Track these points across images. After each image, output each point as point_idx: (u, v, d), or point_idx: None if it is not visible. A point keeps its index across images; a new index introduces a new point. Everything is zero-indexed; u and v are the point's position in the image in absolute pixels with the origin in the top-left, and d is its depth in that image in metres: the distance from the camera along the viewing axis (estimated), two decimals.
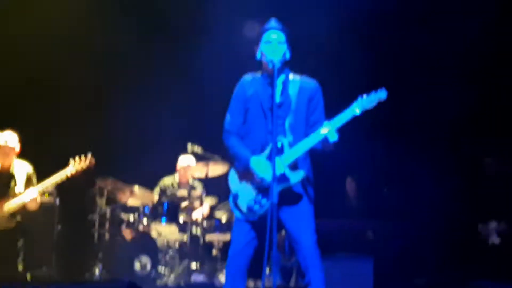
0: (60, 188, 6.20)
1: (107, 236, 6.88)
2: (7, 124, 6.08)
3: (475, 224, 6.41)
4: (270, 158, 3.72)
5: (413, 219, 6.56)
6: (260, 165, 3.85)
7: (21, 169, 6.01)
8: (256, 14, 5.12)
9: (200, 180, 7.37)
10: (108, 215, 6.89)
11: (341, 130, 3.84)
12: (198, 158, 7.11)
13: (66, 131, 7.47)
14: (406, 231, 6.60)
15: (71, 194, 6.76)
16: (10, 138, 5.96)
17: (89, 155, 5.88)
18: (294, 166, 3.88)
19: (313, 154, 4.00)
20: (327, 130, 3.80)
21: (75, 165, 5.83)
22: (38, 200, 5.84)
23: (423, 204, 7.03)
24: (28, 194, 5.76)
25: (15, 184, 5.92)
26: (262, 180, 3.85)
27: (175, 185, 7.40)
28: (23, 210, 5.81)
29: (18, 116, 7.19)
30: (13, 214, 5.81)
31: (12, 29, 7.37)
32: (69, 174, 5.81)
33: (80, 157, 5.86)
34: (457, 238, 6.71)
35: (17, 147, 6.00)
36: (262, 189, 3.87)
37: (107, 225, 6.88)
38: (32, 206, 5.83)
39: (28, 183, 5.95)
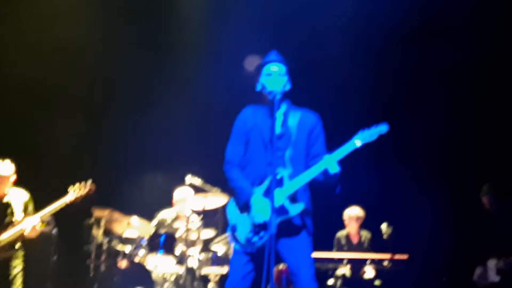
0: (58, 217, 6.16)
1: (103, 267, 6.80)
2: (2, 152, 6.08)
3: (474, 261, 6.36)
4: (269, 190, 3.71)
5: (412, 255, 6.50)
6: (258, 204, 3.85)
7: (18, 197, 5.98)
8: (258, 46, 5.17)
9: (198, 212, 7.32)
10: (104, 246, 6.82)
11: (342, 162, 3.85)
12: (197, 190, 7.08)
13: (64, 160, 7.46)
14: (406, 267, 6.54)
15: (68, 224, 6.71)
16: (3, 167, 5.94)
17: (89, 182, 5.86)
18: (293, 198, 3.87)
19: (314, 187, 4.00)
20: (329, 163, 3.80)
21: (75, 192, 5.80)
22: (38, 228, 5.79)
23: (421, 239, 7.00)
24: (28, 222, 5.72)
25: (12, 213, 5.88)
26: (254, 218, 3.84)
27: (173, 217, 7.35)
28: (21, 238, 5.76)
29: (15, 144, 7.18)
30: (11, 244, 5.76)
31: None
32: (68, 201, 5.78)
33: (80, 184, 5.84)
34: (456, 275, 6.68)
35: (12, 176, 5.98)
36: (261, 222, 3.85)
37: (103, 257, 6.81)
38: (31, 235, 5.77)
39: (25, 211, 5.91)
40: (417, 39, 7.43)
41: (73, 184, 5.85)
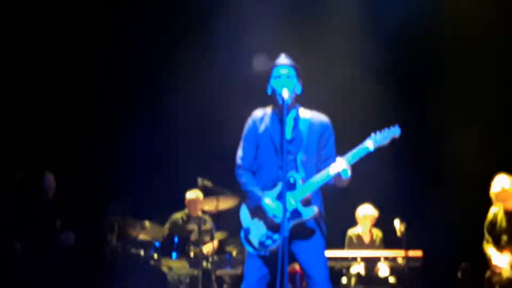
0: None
1: (117, 271, 6.84)
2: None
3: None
4: (282, 193, 3.70)
5: (426, 251, 6.50)
6: (271, 205, 3.86)
7: None
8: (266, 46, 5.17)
9: (210, 214, 7.35)
10: (119, 250, 6.86)
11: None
12: (208, 192, 7.11)
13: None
14: (421, 263, 6.54)
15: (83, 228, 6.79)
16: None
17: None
18: (306, 202, 3.88)
19: (325, 189, 4.00)
20: (340, 167, 3.80)
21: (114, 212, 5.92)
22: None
23: (436, 236, 6.99)
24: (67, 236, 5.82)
25: None
26: (274, 217, 3.85)
27: (185, 218, 7.39)
28: None
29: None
30: None
31: None
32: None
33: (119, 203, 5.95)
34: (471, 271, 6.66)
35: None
36: (275, 222, 3.87)
37: (117, 261, 6.85)
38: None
39: None
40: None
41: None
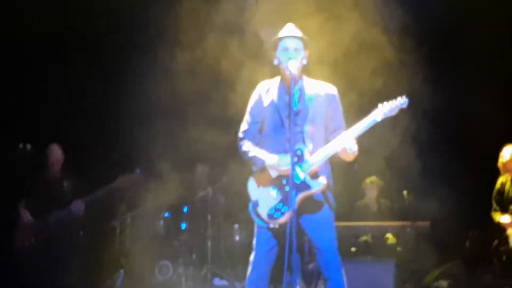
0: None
1: (128, 242, 6.93)
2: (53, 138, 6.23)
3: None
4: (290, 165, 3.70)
5: (433, 222, 6.53)
6: (279, 160, 3.85)
7: (67, 180, 6.16)
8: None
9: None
10: (129, 221, 6.94)
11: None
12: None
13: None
14: (428, 232, 6.57)
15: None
16: (55, 150, 6.21)
17: (137, 173, 5.97)
18: (314, 174, 3.88)
19: (333, 161, 4.00)
20: (347, 141, 3.79)
21: (123, 181, 5.92)
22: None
23: (443, 207, 7.00)
24: (77, 204, 5.87)
25: (64, 193, 6.07)
26: (285, 172, 3.82)
27: (194, 189, 7.44)
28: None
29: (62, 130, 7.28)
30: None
31: None
32: (115, 187, 5.91)
33: (129, 173, 5.96)
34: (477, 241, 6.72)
35: (62, 159, 6.20)
36: (283, 194, 3.88)
37: (128, 231, 6.93)
38: (78, 215, 5.96)
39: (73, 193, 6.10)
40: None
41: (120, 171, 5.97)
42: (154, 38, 7.37)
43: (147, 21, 7.58)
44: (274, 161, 3.88)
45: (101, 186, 5.98)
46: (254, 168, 4.01)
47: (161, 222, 6.94)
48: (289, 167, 3.70)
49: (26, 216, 5.93)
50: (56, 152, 6.19)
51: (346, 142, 3.79)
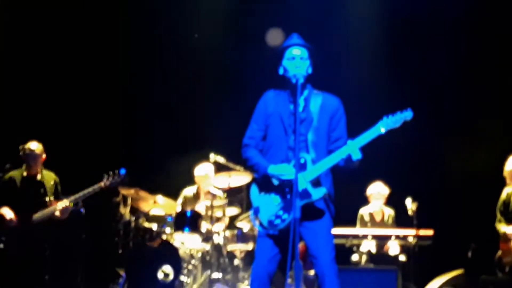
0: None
1: (130, 245, 6.92)
2: (35, 135, 6.23)
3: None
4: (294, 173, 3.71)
5: (437, 230, 6.50)
6: (280, 169, 3.87)
7: (48, 178, 6.18)
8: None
9: (222, 190, 7.38)
10: (132, 224, 6.93)
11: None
12: (221, 168, 7.13)
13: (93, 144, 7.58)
14: (431, 242, 6.54)
15: (95, 203, 6.83)
16: (35, 146, 6.17)
17: (123, 171, 6.00)
18: (316, 182, 3.89)
19: (335, 170, 4.00)
20: (352, 149, 3.81)
21: (109, 180, 5.94)
22: (69, 211, 5.98)
23: (447, 215, 6.99)
24: (61, 204, 5.89)
25: (45, 192, 6.07)
26: (286, 181, 3.84)
27: (196, 193, 7.44)
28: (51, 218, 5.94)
29: (44, 128, 7.31)
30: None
31: None
32: (101, 187, 5.95)
33: (113, 173, 5.98)
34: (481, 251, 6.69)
35: (43, 155, 6.19)
36: (284, 202, 3.88)
37: (131, 235, 6.93)
38: (63, 217, 5.96)
39: (55, 193, 6.09)
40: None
41: (106, 170, 5.98)
42: None
43: None
44: (275, 170, 3.89)
45: (86, 186, 6.01)
46: (256, 175, 4.04)
47: (164, 226, 6.93)
48: (290, 176, 3.74)
49: (9, 215, 5.94)
50: (36, 150, 6.19)
51: (349, 150, 3.81)
